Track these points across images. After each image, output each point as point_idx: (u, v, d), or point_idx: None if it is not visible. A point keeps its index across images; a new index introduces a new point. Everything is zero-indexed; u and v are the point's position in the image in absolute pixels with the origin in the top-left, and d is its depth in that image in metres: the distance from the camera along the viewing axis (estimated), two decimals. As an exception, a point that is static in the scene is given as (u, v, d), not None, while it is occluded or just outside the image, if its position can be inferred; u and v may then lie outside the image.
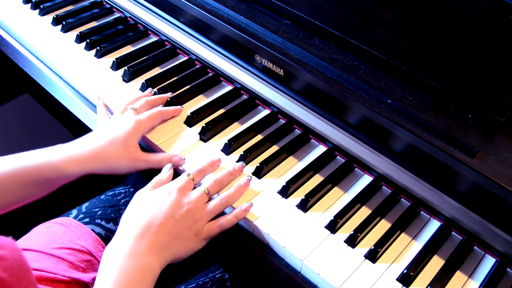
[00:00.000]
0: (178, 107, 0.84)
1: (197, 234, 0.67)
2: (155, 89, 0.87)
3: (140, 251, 0.62)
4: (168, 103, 0.85)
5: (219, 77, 0.91)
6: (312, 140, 0.82)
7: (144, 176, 0.82)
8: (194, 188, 0.71)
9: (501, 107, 0.65)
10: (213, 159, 0.74)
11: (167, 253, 0.64)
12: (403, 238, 0.70)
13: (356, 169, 0.78)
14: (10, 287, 0.44)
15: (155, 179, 0.71)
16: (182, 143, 0.80)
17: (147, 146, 0.82)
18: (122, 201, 0.92)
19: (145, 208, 0.66)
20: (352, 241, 0.68)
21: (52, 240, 0.80)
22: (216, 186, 0.71)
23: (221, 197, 0.70)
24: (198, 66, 0.94)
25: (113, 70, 0.93)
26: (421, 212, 0.73)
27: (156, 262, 0.63)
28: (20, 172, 0.70)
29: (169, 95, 0.86)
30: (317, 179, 0.76)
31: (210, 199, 0.70)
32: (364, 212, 0.72)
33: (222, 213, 0.70)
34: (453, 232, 0.71)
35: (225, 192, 0.71)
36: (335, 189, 0.75)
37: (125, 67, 0.91)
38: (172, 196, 0.67)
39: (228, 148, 0.78)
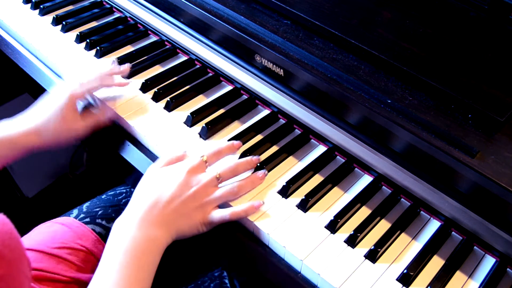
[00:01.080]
0: (124, 80, 0.86)
1: (204, 217, 0.68)
2: (155, 89, 0.87)
3: (148, 223, 0.65)
4: (168, 103, 0.85)
5: (219, 77, 0.91)
6: (312, 140, 0.82)
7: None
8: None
9: (501, 107, 0.65)
10: (233, 142, 0.75)
11: (172, 229, 0.66)
12: (403, 238, 0.70)
13: (356, 169, 0.78)
14: (2, 257, 0.46)
15: (167, 156, 0.73)
16: (182, 143, 0.80)
17: (146, 145, 0.82)
18: (123, 201, 0.93)
19: (155, 184, 0.68)
20: (352, 241, 0.68)
21: (53, 240, 0.80)
22: (229, 173, 0.72)
23: (233, 184, 0.71)
24: (198, 66, 0.94)
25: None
26: (421, 212, 0.73)
27: (163, 236, 0.65)
28: None
29: (126, 66, 0.88)
30: (317, 179, 0.76)
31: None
32: (364, 212, 0.72)
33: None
34: (453, 232, 0.71)
35: (238, 180, 0.71)
36: (335, 189, 0.75)
37: (125, 67, 0.91)
38: (181, 176, 0.69)
39: (228, 148, 0.78)
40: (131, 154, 0.83)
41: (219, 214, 0.68)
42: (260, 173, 0.73)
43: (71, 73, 0.89)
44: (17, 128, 0.76)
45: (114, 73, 0.86)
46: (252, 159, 0.74)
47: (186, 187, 0.68)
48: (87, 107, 0.85)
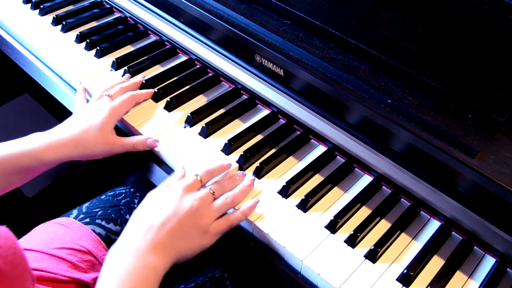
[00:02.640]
0: (150, 90, 0.87)
1: (206, 232, 0.67)
2: (155, 89, 0.87)
3: (142, 250, 0.62)
4: (168, 103, 0.85)
5: (219, 77, 0.91)
6: (312, 140, 0.82)
7: (144, 177, 0.82)
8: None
9: (501, 107, 0.65)
10: (223, 164, 0.74)
11: (171, 252, 0.64)
12: (403, 238, 0.70)
13: (356, 169, 0.78)
14: (5, 274, 0.44)
15: (167, 180, 0.72)
16: (182, 143, 0.80)
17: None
18: (123, 201, 0.93)
19: (150, 208, 0.67)
20: (352, 241, 0.68)
21: (53, 240, 0.80)
22: (220, 188, 0.71)
23: (226, 196, 0.70)
24: (198, 66, 0.94)
25: (113, 70, 0.93)
26: (421, 212, 0.73)
27: (160, 262, 0.62)
28: (0, 161, 0.71)
29: (141, 78, 0.88)
30: (317, 179, 0.76)
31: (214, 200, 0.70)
32: (364, 212, 0.72)
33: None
34: (453, 232, 0.71)
35: (230, 192, 0.71)
36: (335, 189, 0.75)
37: (125, 67, 0.91)
38: (176, 195, 0.67)
39: (228, 148, 0.78)
40: (130, 153, 0.83)
41: (219, 225, 0.68)
42: (247, 181, 0.73)
43: (97, 87, 0.88)
44: (46, 140, 0.74)
45: (136, 86, 0.87)
46: (236, 178, 0.73)
47: (182, 205, 0.66)
48: None
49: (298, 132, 0.83)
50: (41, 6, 1.04)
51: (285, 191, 0.73)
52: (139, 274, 0.60)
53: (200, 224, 0.66)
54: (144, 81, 0.89)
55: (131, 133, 0.84)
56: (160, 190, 0.70)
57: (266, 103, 0.85)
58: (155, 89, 0.87)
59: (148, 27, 1.00)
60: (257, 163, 0.76)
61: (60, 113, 1.62)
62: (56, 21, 1.01)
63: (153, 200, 0.68)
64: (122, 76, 0.91)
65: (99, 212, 0.88)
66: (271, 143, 0.80)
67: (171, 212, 0.65)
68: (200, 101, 0.88)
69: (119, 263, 0.61)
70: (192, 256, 0.67)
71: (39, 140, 0.74)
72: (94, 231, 0.84)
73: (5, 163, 0.72)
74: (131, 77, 0.90)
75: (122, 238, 0.65)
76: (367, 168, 0.76)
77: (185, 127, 0.83)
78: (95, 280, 0.75)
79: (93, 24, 1.03)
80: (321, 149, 0.80)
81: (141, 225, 0.65)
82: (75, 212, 0.88)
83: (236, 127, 0.83)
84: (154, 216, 0.65)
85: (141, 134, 0.81)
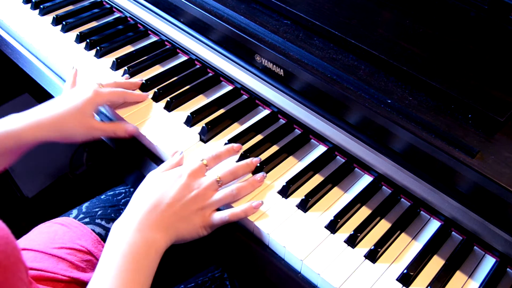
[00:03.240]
0: (143, 93, 0.86)
1: (204, 220, 0.68)
2: (155, 89, 0.87)
3: (147, 226, 0.64)
4: (168, 103, 0.85)
5: (219, 77, 0.91)
6: (312, 140, 0.82)
7: (144, 177, 0.82)
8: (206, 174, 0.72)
9: (501, 107, 0.65)
10: (232, 145, 0.75)
11: (172, 232, 0.66)
12: (403, 238, 0.70)
13: (356, 169, 0.78)
14: None
15: (167, 162, 0.73)
16: (182, 143, 0.80)
17: (147, 145, 0.82)
18: (122, 201, 0.93)
19: (155, 188, 0.68)
20: (352, 241, 0.68)
21: (52, 240, 0.80)
22: (229, 176, 0.72)
23: (232, 187, 0.70)
24: (198, 66, 0.94)
25: (113, 70, 0.93)
26: (421, 212, 0.73)
27: (162, 239, 0.64)
28: None
29: (139, 80, 0.88)
30: (317, 179, 0.76)
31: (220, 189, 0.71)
32: (364, 212, 0.72)
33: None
34: (453, 232, 0.71)
35: (237, 183, 0.71)
36: (335, 189, 0.75)
37: (125, 67, 0.91)
38: (182, 179, 0.68)
39: (228, 148, 0.78)
40: (130, 153, 0.83)
41: (218, 216, 0.68)
42: (259, 176, 0.73)
43: (89, 80, 0.88)
44: (26, 121, 0.74)
45: (130, 86, 0.86)
46: (252, 161, 0.74)
47: (187, 190, 0.68)
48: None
49: (298, 132, 0.83)
50: (41, 6, 1.04)
51: (285, 191, 0.73)
52: (142, 249, 0.62)
53: (201, 211, 0.68)
54: (144, 81, 0.89)
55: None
56: (164, 172, 0.70)
57: (266, 103, 0.85)
58: (155, 89, 0.87)
59: (148, 27, 1.00)
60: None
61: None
62: (56, 21, 1.01)
63: (159, 181, 0.69)
64: (122, 76, 0.91)
65: (99, 212, 0.88)
66: (271, 143, 0.80)
67: (176, 196, 0.67)
68: (200, 101, 0.88)
69: (123, 237, 0.63)
70: (189, 240, 0.68)
71: (19, 120, 0.74)
72: (94, 231, 0.84)
73: None
74: (130, 78, 0.90)
75: (126, 214, 0.66)
76: (367, 168, 0.76)
77: (185, 127, 0.82)
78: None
79: (93, 24, 1.03)
80: (321, 149, 0.80)
81: (146, 204, 0.66)
82: (75, 212, 0.88)
83: (236, 127, 0.83)
84: (160, 197, 0.66)
85: (142, 134, 0.81)
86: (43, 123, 0.74)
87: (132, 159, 0.83)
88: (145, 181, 0.70)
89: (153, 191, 0.68)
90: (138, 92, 0.86)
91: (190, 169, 0.70)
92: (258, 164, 0.75)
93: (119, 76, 0.91)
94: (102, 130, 0.79)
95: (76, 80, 0.86)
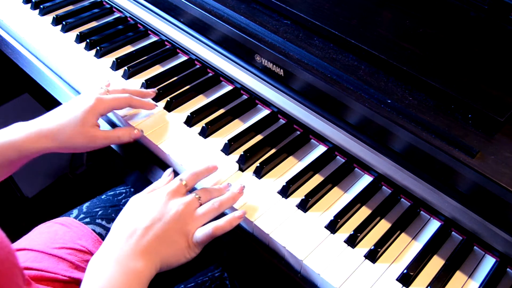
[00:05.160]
0: (151, 103, 0.83)
1: (187, 240, 0.64)
2: (155, 89, 0.87)
3: (125, 255, 0.60)
4: (168, 103, 0.85)
5: (219, 77, 0.91)
6: (312, 140, 0.82)
7: (144, 177, 0.82)
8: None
9: (501, 107, 0.65)
10: (208, 165, 0.72)
11: (155, 258, 0.61)
12: (403, 238, 0.70)
13: (356, 169, 0.78)
14: None
15: (152, 185, 0.70)
16: (182, 143, 0.80)
17: (147, 146, 0.82)
18: (123, 201, 0.93)
19: (133, 213, 0.65)
20: (352, 241, 0.68)
21: (53, 240, 0.80)
22: (207, 194, 0.69)
23: (213, 201, 0.68)
24: (198, 66, 0.94)
25: (113, 70, 0.93)
26: (421, 212, 0.73)
27: (144, 267, 0.60)
28: None
29: (151, 91, 0.85)
30: (317, 179, 0.76)
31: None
32: (364, 212, 0.72)
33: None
34: (453, 232, 0.71)
35: (218, 198, 0.69)
36: (335, 189, 0.75)
37: (125, 67, 0.91)
38: (161, 200, 0.66)
39: (228, 148, 0.78)
40: (130, 153, 0.83)
41: (202, 232, 0.65)
42: (236, 188, 0.71)
43: (93, 85, 0.86)
44: (27, 131, 0.72)
45: (140, 94, 0.83)
46: (221, 187, 0.72)
47: (167, 209, 0.64)
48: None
49: (298, 132, 0.83)
50: (41, 6, 1.04)
51: (285, 191, 0.73)
52: (120, 281, 0.57)
53: (184, 230, 0.64)
54: (144, 81, 0.89)
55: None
56: (143, 195, 0.68)
57: (266, 103, 0.85)
58: (155, 89, 0.87)
59: (148, 27, 1.00)
60: (257, 163, 0.76)
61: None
62: (56, 21, 1.01)
63: (137, 205, 0.66)
64: (122, 75, 0.91)
65: (100, 212, 0.88)
66: (271, 143, 0.80)
67: (155, 217, 0.63)
68: (200, 101, 0.88)
69: (100, 271, 0.59)
70: (177, 265, 0.64)
71: (21, 130, 0.72)
72: (94, 231, 0.84)
73: None
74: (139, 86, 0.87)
75: (104, 245, 0.62)
76: (367, 168, 0.76)
77: (185, 127, 0.82)
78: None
79: (93, 24, 1.03)
80: (321, 149, 0.80)
81: (124, 230, 0.63)
82: (75, 212, 0.88)
83: (236, 127, 0.83)
84: (138, 221, 0.63)
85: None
86: (44, 134, 0.72)
87: (133, 159, 0.83)
88: (126, 207, 0.67)
89: (131, 215, 0.64)
90: (146, 99, 0.83)
91: (169, 189, 0.67)
92: (258, 164, 0.75)
93: (119, 76, 0.91)
94: (105, 138, 0.76)
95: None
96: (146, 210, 0.65)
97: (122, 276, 0.58)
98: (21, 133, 0.72)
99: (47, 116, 0.75)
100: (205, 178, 0.72)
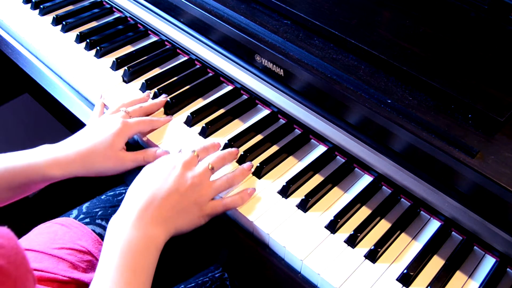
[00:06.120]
0: (169, 117, 0.84)
1: (201, 210, 0.68)
2: (155, 89, 0.87)
3: (144, 222, 0.63)
4: (167, 104, 0.85)
5: (219, 77, 0.91)
6: (312, 140, 0.82)
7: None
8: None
9: (501, 107, 0.65)
10: (214, 142, 0.76)
11: (170, 226, 0.65)
12: (403, 238, 0.70)
13: (356, 169, 0.78)
14: (8, 274, 0.44)
15: (163, 157, 0.73)
16: (182, 143, 0.80)
17: (146, 146, 0.82)
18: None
19: (150, 181, 0.67)
20: (352, 241, 0.68)
21: (53, 240, 0.80)
22: (219, 162, 0.72)
23: (227, 176, 0.72)
24: (198, 66, 0.94)
25: (113, 70, 0.93)
26: (421, 212, 0.73)
27: (160, 233, 0.64)
28: (6, 174, 0.70)
29: (164, 100, 0.85)
30: (317, 179, 0.76)
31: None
32: (364, 212, 0.72)
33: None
34: (453, 232, 0.71)
35: (229, 173, 0.72)
36: (335, 189, 0.75)
37: (125, 67, 0.91)
38: (176, 170, 0.68)
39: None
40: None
41: (215, 204, 0.69)
42: (246, 165, 0.75)
43: (112, 100, 0.85)
44: (53, 155, 0.72)
45: (156, 107, 0.84)
46: (233, 150, 0.76)
47: (183, 181, 0.67)
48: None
49: (298, 132, 0.83)
50: (41, 6, 1.04)
51: (285, 191, 0.73)
52: (140, 245, 0.61)
53: (198, 201, 0.68)
54: (144, 81, 0.89)
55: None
56: (159, 165, 0.70)
57: (266, 103, 0.85)
58: (155, 89, 0.87)
59: (148, 27, 1.00)
60: (257, 163, 0.76)
61: (60, 113, 1.62)
62: (56, 21, 1.01)
63: (153, 174, 0.68)
64: (122, 75, 0.91)
65: (99, 212, 0.88)
66: (271, 143, 0.80)
67: (173, 188, 0.66)
68: (200, 101, 0.88)
69: (120, 234, 0.62)
70: (188, 230, 0.68)
71: (47, 154, 0.72)
72: (94, 231, 0.84)
73: (13, 175, 0.70)
74: (149, 94, 0.87)
75: (122, 210, 0.65)
76: (367, 168, 0.76)
77: (185, 127, 0.83)
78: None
79: (93, 24, 1.03)
80: (321, 149, 0.80)
81: (142, 198, 0.65)
82: (75, 212, 0.88)
83: (236, 127, 0.83)
84: (156, 190, 0.66)
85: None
86: (71, 160, 0.72)
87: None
88: (140, 175, 0.69)
89: (148, 184, 0.67)
90: (163, 118, 0.83)
91: (183, 159, 0.70)
92: (258, 164, 0.75)
93: (119, 76, 0.91)
94: (133, 161, 0.76)
95: (99, 103, 0.84)
96: (164, 180, 0.67)
97: (142, 241, 0.62)
98: (47, 157, 0.71)
99: (74, 139, 0.75)
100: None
